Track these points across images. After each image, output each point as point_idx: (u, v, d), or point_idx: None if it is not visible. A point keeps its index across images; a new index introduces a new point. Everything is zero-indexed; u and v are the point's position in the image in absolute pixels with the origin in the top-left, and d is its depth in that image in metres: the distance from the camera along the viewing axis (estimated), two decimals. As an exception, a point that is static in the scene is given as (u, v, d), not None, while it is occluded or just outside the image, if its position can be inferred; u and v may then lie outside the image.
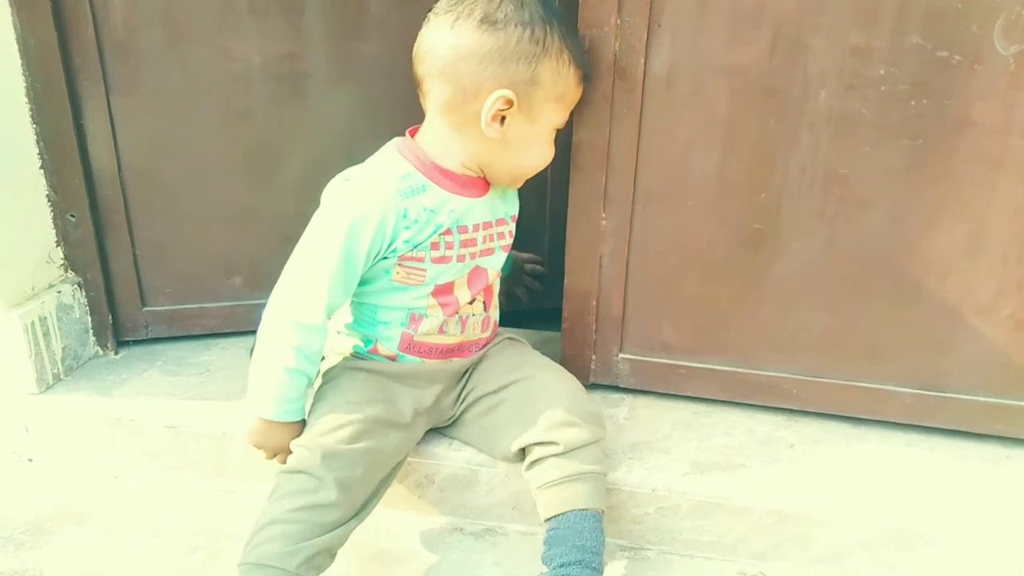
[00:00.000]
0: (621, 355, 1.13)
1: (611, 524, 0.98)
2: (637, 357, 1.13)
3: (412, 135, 0.96)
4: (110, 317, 1.22)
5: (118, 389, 1.16)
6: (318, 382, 0.98)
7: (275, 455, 0.94)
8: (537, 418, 0.93)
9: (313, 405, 0.95)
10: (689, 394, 1.13)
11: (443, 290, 0.95)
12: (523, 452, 0.94)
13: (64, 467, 1.14)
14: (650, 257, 1.07)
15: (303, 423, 0.92)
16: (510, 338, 1.08)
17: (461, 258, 0.95)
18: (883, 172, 0.97)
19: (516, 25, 0.85)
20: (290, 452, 0.90)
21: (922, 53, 0.92)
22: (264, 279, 1.24)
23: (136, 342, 1.26)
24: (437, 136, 0.92)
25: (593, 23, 0.97)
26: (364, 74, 1.19)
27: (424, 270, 0.93)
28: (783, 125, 0.98)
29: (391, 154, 0.94)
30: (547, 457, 0.91)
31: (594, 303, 1.11)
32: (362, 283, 0.93)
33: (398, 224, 0.89)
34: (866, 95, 0.94)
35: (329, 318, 0.90)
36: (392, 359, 0.98)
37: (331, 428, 0.89)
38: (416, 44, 0.91)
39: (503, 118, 0.89)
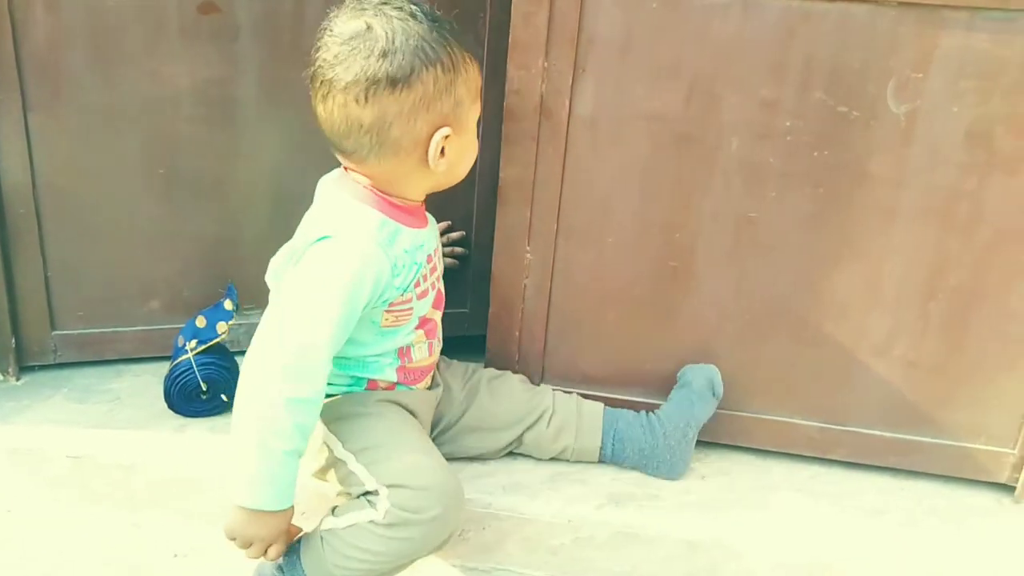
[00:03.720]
0: (543, 385, 1.15)
1: (528, 555, 1.00)
2: (558, 388, 1.15)
3: (352, 175, 0.92)
4: (13, 341, 1.16)
5: (17, 416, 1.11)
6: (342, 415, 0.94)
7: (264, 548, 0.85)
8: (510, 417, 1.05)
9: (363, 448, 0.90)
10: (608, 425, 1.16)
11: (424, 319, 0.97)
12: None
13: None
14: (572, 290, 1.11)
15: (292, 509, 0.86)
16: (443, 361, 1.10)
17: (433, 286, 0.97)
18: (788, 217, 1.04)
19: (425, 68, 0.83)
20: (276, 545, 0.85)
21: (824, 108, 0.99)
22: (183, 303, 1.23)
23: (42, 367, 1.21)
24: (387, 182, 0.90)
25: (521, 65, 1.01)
26: (295, 101, 1.19)
27: (411, 309, 0.93)
28: (698, 170, 1.03)
29: (352, 203, 0.89)
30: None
31: (517, 333, 1.13)
32: (348, 342, 0.89)
33: (391, 277, 0.87)
34: (774, 145, 1.01)
35: None
36: (390, 388, 0.97)
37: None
38: (326, 121, 0.86)
39: (443, 148, 0.88)
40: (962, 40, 0.94)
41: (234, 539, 0.84)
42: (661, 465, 1.07)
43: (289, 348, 0.81)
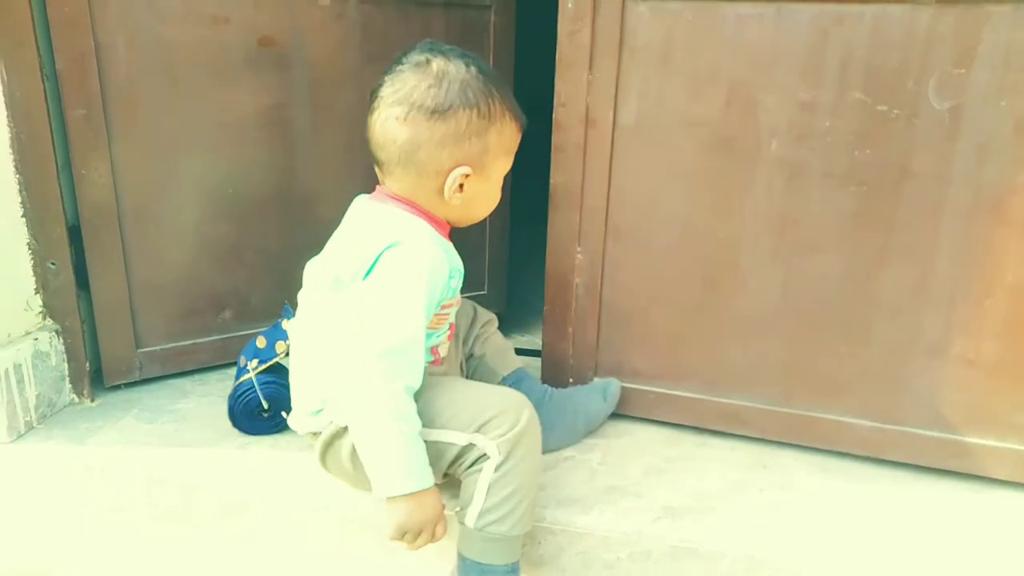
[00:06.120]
0: (596, 379, 1.19)
1: (583, 570, 1.00)
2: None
3: (388, 195, 0.97)
4: (87, 364, 1.22)
5: (91, 437, 1.15)
6: None
7: (431, 531, 0.89)
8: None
9: (430, 417, 0.92)
10: (658, 419, 1.18)
11: (452, 325, 1.03)
12: None
13: (30, 519, 1.11)
14: (621, 289, 1.14)
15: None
16: None
17: (458, 300, 1.03)
18: (832, 217, 1.04)
19: (463, 108, 0.91)
20: (440, 522, 0.89)
21: (863, 107, 1.00)
22: (252, 311, 1.33)
23: (112, 388, 1.26)
24: (413, 195, 0.96)
25: (567, 78, 1.07)
26: (342, 120, 1.30)
27: (449, 313, 1.00)
28: (739, 172, 1.06)
29: (403, 214, 0.96)
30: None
31: (570, 329, 1.18)
32: None
33: (449, 277, 0.95)
34: (813, 145, 1.02)
35: None
36: None
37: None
38: (370, 130, 0.94)
39: (461, 184, 0.94)
40: (1007, 34, 0.94)
41: (404, 535, 0.88)
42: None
43: (394, 346, 0.87)
